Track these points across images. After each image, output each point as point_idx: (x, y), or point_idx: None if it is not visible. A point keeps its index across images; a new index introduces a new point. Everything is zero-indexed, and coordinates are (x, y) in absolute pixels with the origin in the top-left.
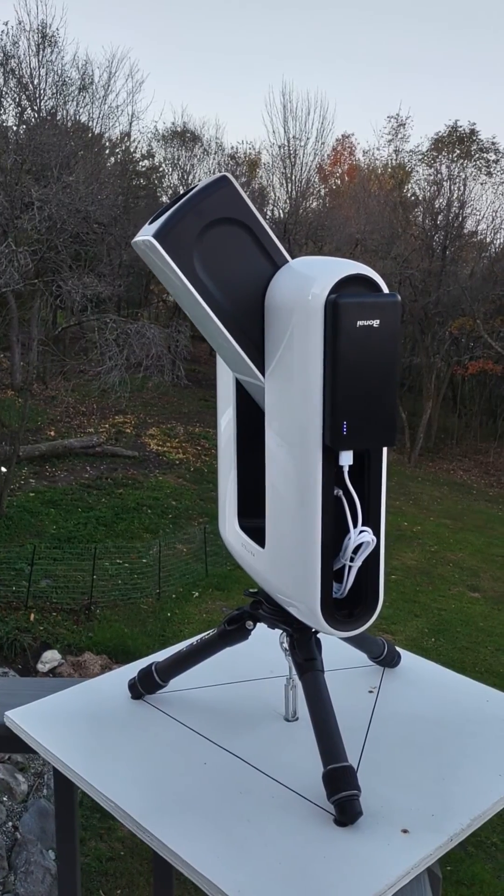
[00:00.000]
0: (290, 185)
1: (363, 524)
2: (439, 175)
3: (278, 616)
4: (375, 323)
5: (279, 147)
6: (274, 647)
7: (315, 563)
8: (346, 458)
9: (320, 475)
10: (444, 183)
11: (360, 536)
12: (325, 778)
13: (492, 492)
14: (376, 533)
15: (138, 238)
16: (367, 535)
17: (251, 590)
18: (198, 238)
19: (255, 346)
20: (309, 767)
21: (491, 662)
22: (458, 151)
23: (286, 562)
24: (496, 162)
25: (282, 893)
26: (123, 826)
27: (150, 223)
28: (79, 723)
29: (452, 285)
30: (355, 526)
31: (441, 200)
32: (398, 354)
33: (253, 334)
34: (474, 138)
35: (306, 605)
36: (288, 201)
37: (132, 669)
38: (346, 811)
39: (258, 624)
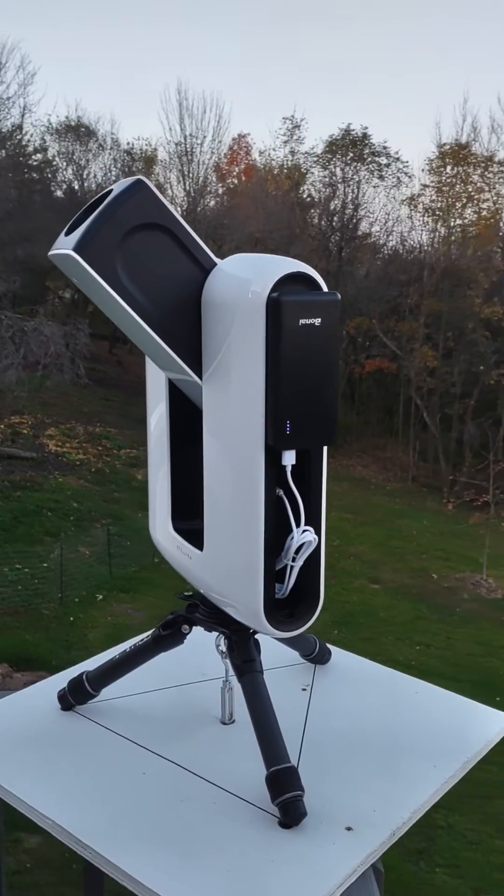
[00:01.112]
0: (187, 182)
1: (306, 523)
2: (334, 177)
3: (215, 618)
4: (317, 321)
5: (175, 144)
6: (204, 649)
7: (258, 564)
8: (289, 458)
9: (263, 475)
10: (339, 185)
11: (302, 536)
12: (269, 780)
13: (390, 486)
14: (318, 532)
15: (56, 251)
16: (310, 535)
17: (185, 593)
18: (119, 247)
19: (190, 349)
20: (249, 770)
21: (392, 652)
22: (351, 154)
23: (227, 563)
24: (387, 166)
25: None
26: (30, 838)
27: (67, 234)
28: (6, 739)
29: (349, 285)
30: (298, 525)
31: (336, 202)
32: (338, 353)
33: (186, 338)
34: (367, 142)
35: (248, 606)
36: (186, 199)
37: (60, 680)
38: (290, 813)
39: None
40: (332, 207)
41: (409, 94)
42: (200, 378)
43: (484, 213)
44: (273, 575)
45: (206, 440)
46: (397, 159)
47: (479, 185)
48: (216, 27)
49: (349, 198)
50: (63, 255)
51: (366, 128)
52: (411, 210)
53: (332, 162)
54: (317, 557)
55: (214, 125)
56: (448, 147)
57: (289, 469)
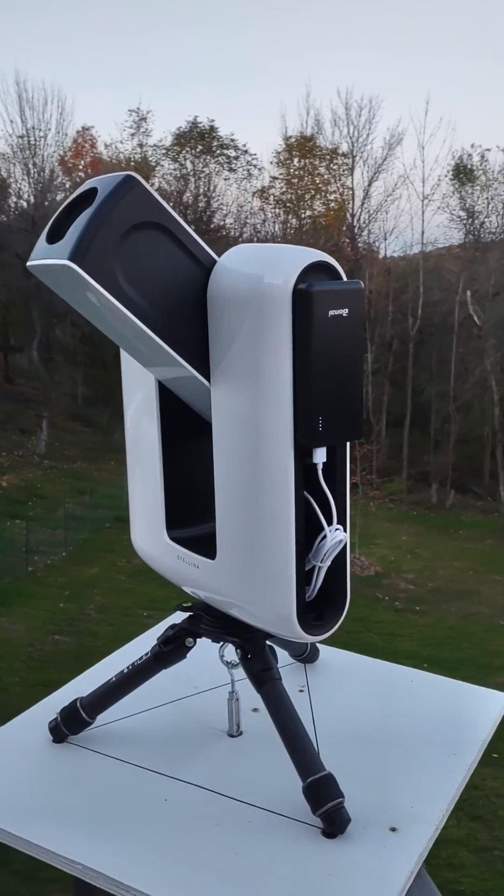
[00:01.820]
0: (32, 176)
1: (337, 522)
2: (185, 170)
3: (223, 628)
4: (345, 312)
5: (19, 137)
6: (192, 661)
7: (290, 567)
8: (321, 456)
9: (292, 474)
10: (190, 178)
11: (335, 535)
12: (307, 791)
13: None
14: (345, 530)
15: (43, 262)
16: (341, 534)
17: (184, 604)
18: (117, 251)
19: (196, 351)
20: (274, 782)
21: None
22: (200, 147)
23: (250, 569)
24: (236, 158)
25: None
26: None
27: (50, 241)
28: None
29: None
30: (329, 524)
31: (188, 195)
32: (364, 344)
33: (191, 340)
34: (214, 134)
35: (278, 612)
36: (32, 193)
37: (45, 709)
38: (335, 822)
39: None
40: (184, 200)
41: (255, 87)
42: (208, 380)
43: (332, 204)
44: (303, 578)
45: (219, 441)
46: (245, 151)
47: (325, 177)
48: (57, 16)
49: (201, 190)
50: (55, 266)
51: (212, 120)
52: (263, 202)
53: (181, 154)
54: (343, 557)
55: (57, 117)
56: (294, 140)
57: (320, 467)
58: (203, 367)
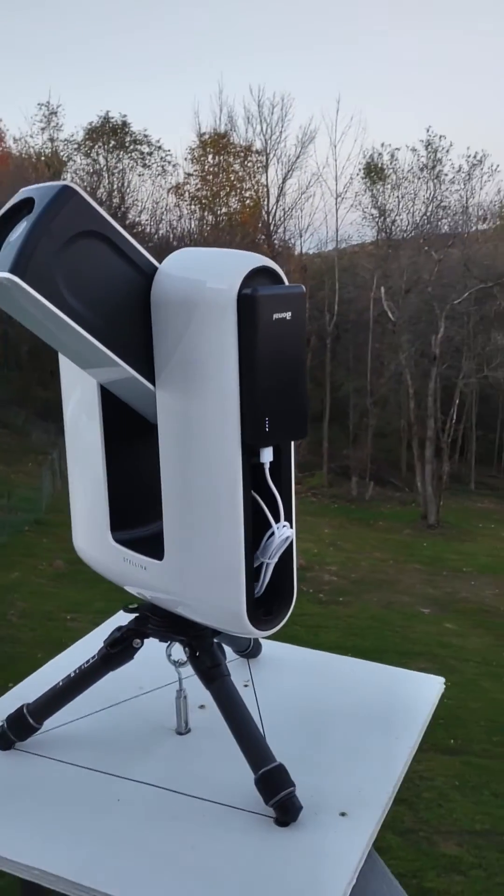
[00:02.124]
0: None
1: (284, 519)
2: (98, 165)
3: (171, 628)
4: (288, 315)
5: None
6: (134, 663)
7: (239, 565)
8: (268, 455)
9: (240, 474)
10: (104, 173)
11: (282, 531)
12: (260, 783)
13: None
14: (291, 527)
15: None
16: (288, 530)
17: (130, 605)
18: (57, 262)
19: (140, 356)
20: (225, 776)
21: None
22: (113, 142)
23: (199, 568)
24: (150, 154)
25: None
26: None
27: None
28: None
29: None
30: (277, 521)
31: (102, 191)
32: (305, 345)
33: (135, 346)
34: (127, 130)
35: (228, 609)
36: None
37: None
38: (288, 810)
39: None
40: (98, 196)
41: (167, 84)
42: (153, 383)
43: (248, 201)
44: (252, 574)
45: (166, 443)
46: (159, 147)
47: (240, 174)
48: None
49: (115, 186)
50: None
51: (125, 115)
52: (178, 198)
53: (93, 150)
54: (289, 552)
55: None
56: (208, 137)
57: (267, 466)
58: (147, 370)
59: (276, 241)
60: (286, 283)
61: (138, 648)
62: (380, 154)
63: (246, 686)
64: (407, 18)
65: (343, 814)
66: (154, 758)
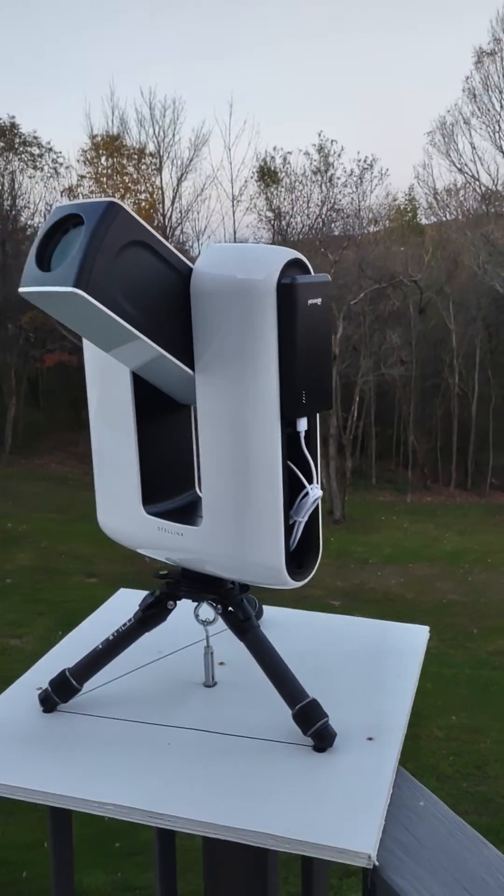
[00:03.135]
0: None
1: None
2: None
3: (202, 587)
4: (319, 301)
5: None
6: (152, 631)
7: (279, 524)
8: (303, 425)
9: (280, 443)
10: None
11: (314, 492)
12: (298, 716)
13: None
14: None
15: (44, 289)
16: (318, 491)
17: (161, 572)
18: (112, 273)
19: (180, 346)
20: (258, 718)
21: None
22: (2, 144)
23: (241, 529)
24: (41, 156)
25: (339, 824)
26: None
27: (44, 268)
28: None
29: (17, 280)
30: (310, 483)
31: None
32: (331, 326)
33: (176, 338)
34: (16, 132)
35: (269, 564)
36: None
37: (22, 689)
38: (324, 738)
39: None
40: None
41: (59, 86)
42: (192, 368)
43: (143, 203)
44: (288, 532)
45: (204, 420)
46: (50, 149)
47: (134, 176)
48: None
49: (5, 188)
50: (58, 293)
51: (13, 117)
52: (72, 200)
53: None
54: (316, 511)
55: None
56: (100, 138)
57: (302, 434)
58: (186, 357)
59: (172, 244)
60: (312, 273)
61: (172, 609)
62: (272, 157)
63: None
64: (301, 26)
65: (370, 738)
66: (190, 707)
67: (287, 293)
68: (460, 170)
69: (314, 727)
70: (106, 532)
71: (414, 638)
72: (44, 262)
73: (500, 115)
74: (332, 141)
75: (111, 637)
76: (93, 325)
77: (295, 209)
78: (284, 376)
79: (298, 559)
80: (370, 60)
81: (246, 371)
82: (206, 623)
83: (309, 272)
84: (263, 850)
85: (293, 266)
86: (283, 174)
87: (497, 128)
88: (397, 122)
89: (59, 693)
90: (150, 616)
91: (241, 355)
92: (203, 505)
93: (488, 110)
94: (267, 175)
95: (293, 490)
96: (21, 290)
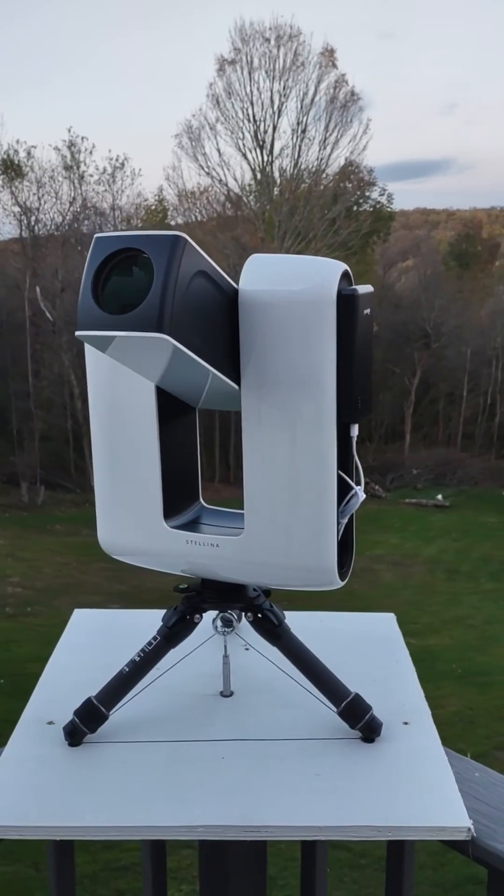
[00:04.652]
0: None
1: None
2: None
3: (228, 597)
4: (368, 311)
5: None
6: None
7: (332, 527)
8: (355, 430)
9: (334, 448)
10: None
11: (360, 494)
12: (345, 712)
13: None
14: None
15: (120, 334)
16: (362, 492)
17: (181, 585)
18: (184, 308)
19: (229, 363)
20: (290, 719)
21: None
22: None
23: (290, 534)
24: None
25: (425, 805)
26: None
27: (112, 311)
28: (46, 791)
29: None
30: (358, 484)
31: None
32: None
33: (225, 356)
34: None
35: (320, 566)
36: None
37: (33, 726)
38: (374, 728)
39: None
40: None
41: None
42: (237, 383)
43: None
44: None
45: (251, 431)
46: None
47: None
48: None
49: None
50: (147, 339)
51: None
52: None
53: None
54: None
55: None
56: None
57: (355, 440)
58: (233, 372)
59: None
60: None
61: (198, 623)
62: (16, 151)
63: (247, 650)
64: (51, 20)
65: (406, 723)
66: (221, 718)
67: (348, 303)
68: (208, 173)
69: (363, 720)
70: (109, 550)
71: (385, 626)
72: (101, 301)
73: (242, 122)
74: (82, 137)
75: (136, 658)
76: (155, 363)
77: (44, 204)
78: (343, 383)
79: (340, 558)
80: (127, 62)
81: (304, 380)
82: (225, 633)
83: (352, 283)
84: (311, 843)
85: (345, 277)
86: (28, 168)
87: (241, 135)
88: (148, 124)
89: (87, 722)
90: (177, 632)
91: (300, 364)
92: (246, 514)
93: (231, 117)
94: (11, 168)
95: (340, 492)
96: (81, 333)
